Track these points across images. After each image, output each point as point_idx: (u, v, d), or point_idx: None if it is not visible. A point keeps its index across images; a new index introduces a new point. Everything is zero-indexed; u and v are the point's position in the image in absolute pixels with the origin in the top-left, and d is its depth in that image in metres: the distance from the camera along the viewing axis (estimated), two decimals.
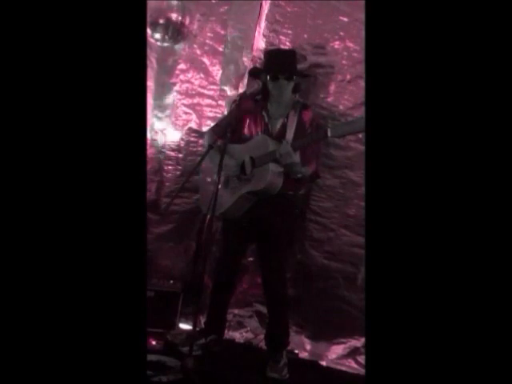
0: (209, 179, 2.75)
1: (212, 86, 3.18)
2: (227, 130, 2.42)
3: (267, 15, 3.02)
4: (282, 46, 2.99)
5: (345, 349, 3.00)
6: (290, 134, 2.61)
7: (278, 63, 2.68)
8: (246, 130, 2.73)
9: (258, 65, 2.97)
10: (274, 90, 2.66)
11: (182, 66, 3.20)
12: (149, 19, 3.02)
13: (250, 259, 3.06)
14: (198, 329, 2.63)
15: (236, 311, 3.16)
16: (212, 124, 3.10)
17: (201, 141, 3.18)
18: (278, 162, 2.51)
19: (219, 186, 2.46)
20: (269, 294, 2.74)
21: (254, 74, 2.82)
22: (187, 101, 3.22)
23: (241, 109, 2.66)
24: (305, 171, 2.58)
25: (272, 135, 2.66)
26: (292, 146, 2.48)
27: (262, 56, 2.91)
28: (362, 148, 2.85)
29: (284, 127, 2.66)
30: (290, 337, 2.78)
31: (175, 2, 3.12)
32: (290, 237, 2.75)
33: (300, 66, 2.87)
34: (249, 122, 2.73)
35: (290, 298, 2.94)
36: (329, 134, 2.37)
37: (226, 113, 3.12)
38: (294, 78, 2.66)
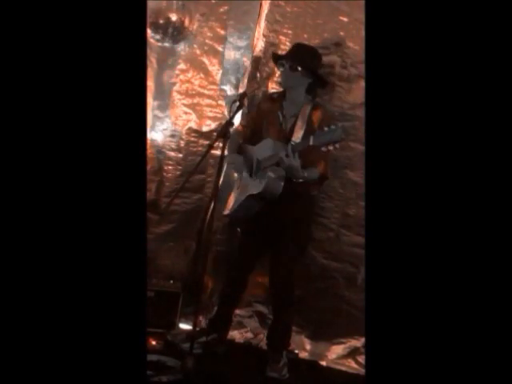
0: (231, 177, 2.76)
1: (212, 86, 3.18)
2: (227, 130, 2.43)
3: (267, 15, 3.02)
4: (282, 46, 2.99)
5: (345, 349, 3.00)
6: (298, 134, 2.59)
7: (289, 52, 2.71)
8: (264, 131, 2.74)
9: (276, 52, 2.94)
10: (289, 81, 2.67)
11: (181, 65, 3.20)
12: (149, 19, 3.02)
13: None
14: (197, 329, 2.64)
15: (236, 311, 3.14)
16: (212, 124, 3.12)
17: (201, 141, 3.18)
18: (279, 165, 2.49)
19: (233, 187, 2.56)
20: (277, 295, 2.75)
21: (275, 58, 2.81)
22: (187, 101, 3.22)
23: (260, 109, 2.71)
24: (308, 174, 2.53)
25: (285, 134, 2.65)
26: (291, 149, 2.44)
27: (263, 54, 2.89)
28: (362, 148, 2.85)
29: (294, 127, 2.65)
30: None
31: (175, 2, 3.12)
32: (299, 240, 2.74)
33: None
34: (266, 122, 2.74)
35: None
36: (311, 142, 2.36)
37: (225, 113, 3.12)
38: (300, 69, 2.63)
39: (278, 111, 2.71)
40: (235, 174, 2.72)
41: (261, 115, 2.75)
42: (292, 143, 2.50)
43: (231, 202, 2.63)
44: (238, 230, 2.98)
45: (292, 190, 2.53)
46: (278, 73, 2.94)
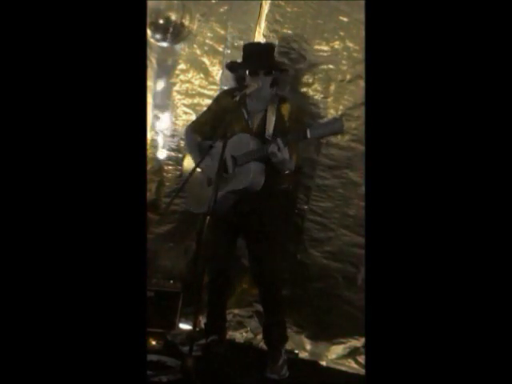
0: (195, 178, 2.71)
1: (212, 86, 3.18)
2: (227, 130, 2.42)
3: (267, 15, 3.02)
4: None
5: (345, 349, 3.00)
6: (269, 129, 2.58)
7: (256, 58, 2.65)
8: (226, 127, 2.63)
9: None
10: (264, 85, 2.60)
11: (182, 66, 3.20)
12: (149, 19, 3.02)
13: None
14: (197, 329, 2.63)
15: (236, 311, 3.15)
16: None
17: None
18: (260, 160, 2.50)
19: (202, 185, 2.51)
20: (262, 293, 2.76)
21: (231, 68, 2.80)
22: (187, 101, 3.22)
23: (220, 106, 2.65)
24: (291, 166, 2.57)
25: (252, 131, 2.63)
26: (278, 143, 2.43)
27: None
28: (362, 148, 2.84)
29: (263, 122, 2.62)
30: (289, 336, 2.79)
31: (175, 2, 3.12)
32: (279, 233, 2.74)
33: (298, 66, 2.86)
34: (229, 119, 2.62)
35: (289, 297, 2.95)
36: (308, 135, 2.34)
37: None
38: (273, 72, 2.63)
39: (242, 108, 2.66)
40: (203, 173, 2.67)
41: (222, 112, 2.65)
42: (277, 139, 2.46)
43: (206, 200, 2.48)
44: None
45: (265, 185, 2.54)
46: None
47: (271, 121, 2.60)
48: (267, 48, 2.77)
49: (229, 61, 2.92)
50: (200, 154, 2.62)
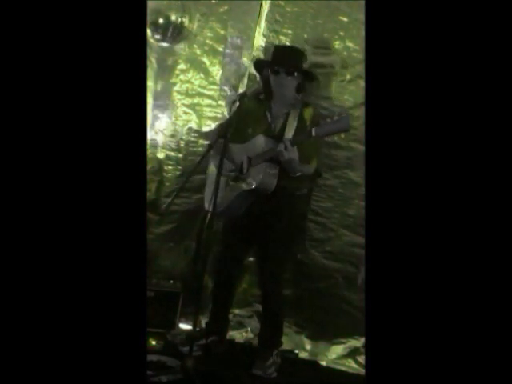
0: (213, 178, 2.73)
1: (212, 86, 3.18)
2: (228, 130, 2.42)
3: (267, 15, 3.03)
4: None
5: (345, 349, 3.00)
6: (289, 132, 2.57)
7: (281, 57, 2.66)
8: (249, 130, 2.69)
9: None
10: (274, 84, 2.63)
11: (181, 66, 3.21)
12: (149, 19, 3.02)
13: (250, 259, 3.06)
14: (197, 329, 2.63)
15: (236, 311, 3.15)
16: (213, 124, 3.11)
17: (201, 141, 3.19)
18: (272, 161, 2.49)
19: (220, 185, 2.46)
20: (264, 293, 2.75)
21: (257, 65, 2.80)
22: (187, 101, 3.22)
23: (244, 109, 2.63)
24: (305, 170, 2.56)
25: (274, 134, 2.62)
26: (285, 142, 2.43)
27: (262, 54, 2.90)
28: (362, 148, 2.85)
29: (285, 126, 2.62)
30: (289, 337, 2.79)
31: (175, 2, 3.12)
32: (289, 237, 2.74)
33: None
34: (252, 121, 2.68)
35: (289, 297, 2.95)
36: (313, 133, 2.33)
37: (225, 113, 3.12)
38: (296, 74, 2.61)
39: (266, 111, 2.67)
40: (219, 173, 2.69)
41: (246, 115, 2.64)
42: (284, 139, 2.46)
43: (219, 200, 2.48)
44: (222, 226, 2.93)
45: (281, 187, 2.53)
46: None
47: (292, 125, 2.58)
48: (294, 50, 2.77)
49: (256, 58, 2.93)
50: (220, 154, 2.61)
